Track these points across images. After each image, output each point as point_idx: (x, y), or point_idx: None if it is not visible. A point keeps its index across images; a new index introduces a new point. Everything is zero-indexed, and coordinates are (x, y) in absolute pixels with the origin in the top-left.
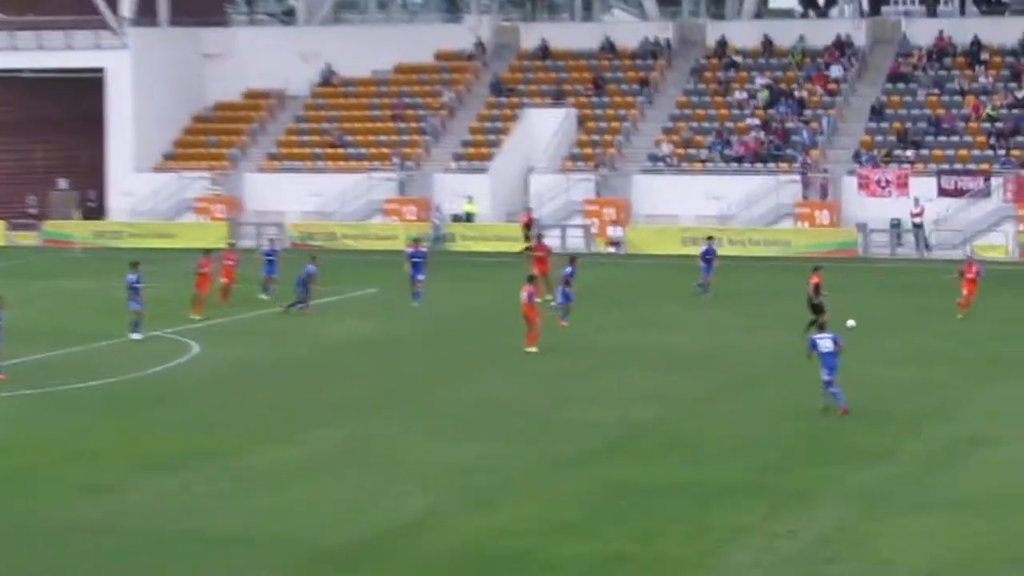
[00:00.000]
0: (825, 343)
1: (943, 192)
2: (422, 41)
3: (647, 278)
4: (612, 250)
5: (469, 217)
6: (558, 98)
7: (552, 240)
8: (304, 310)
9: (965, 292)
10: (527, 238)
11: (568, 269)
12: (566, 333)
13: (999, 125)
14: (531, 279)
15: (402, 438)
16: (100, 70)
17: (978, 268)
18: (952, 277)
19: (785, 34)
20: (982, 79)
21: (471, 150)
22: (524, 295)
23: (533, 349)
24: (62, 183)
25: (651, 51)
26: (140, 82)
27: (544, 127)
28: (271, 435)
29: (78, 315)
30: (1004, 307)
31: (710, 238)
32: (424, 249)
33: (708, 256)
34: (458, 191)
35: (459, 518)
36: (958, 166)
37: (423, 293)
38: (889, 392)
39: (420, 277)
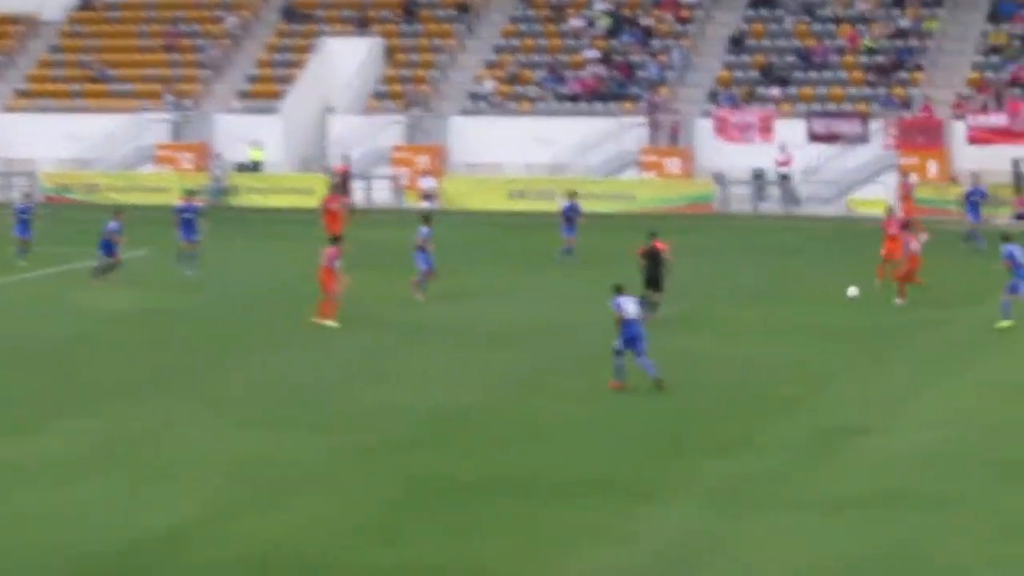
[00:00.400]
0: (630, 307)
1: (814, 137)
2: None
3: (466, 238)
4: (425, 204)
5: (256, 166)
6: (362, 26)
7: (356, 193)
8: (107, 276)
9: (884, 253)
10: (345, 192)
11: (424, 230)
12: (368, 304)
13: (879, 59)
14: (334, 240)
15: (177, 427)
16: None
17: (901, 222)
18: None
19: None
20: (859, 5)
21: (258, 87)
22: (324, 258)
23: (331, 323)
24: None
25: None
26: None
27: (345, 60)
28: (20, 425)
29: None
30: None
31: (573, 193)
32: (198, 204)
33: (571, 214)
34: (243, 135)
35: (244, 519)
36: (831, 107)
37: (198, 257)
38: (749, 373)
39: (194, 238)
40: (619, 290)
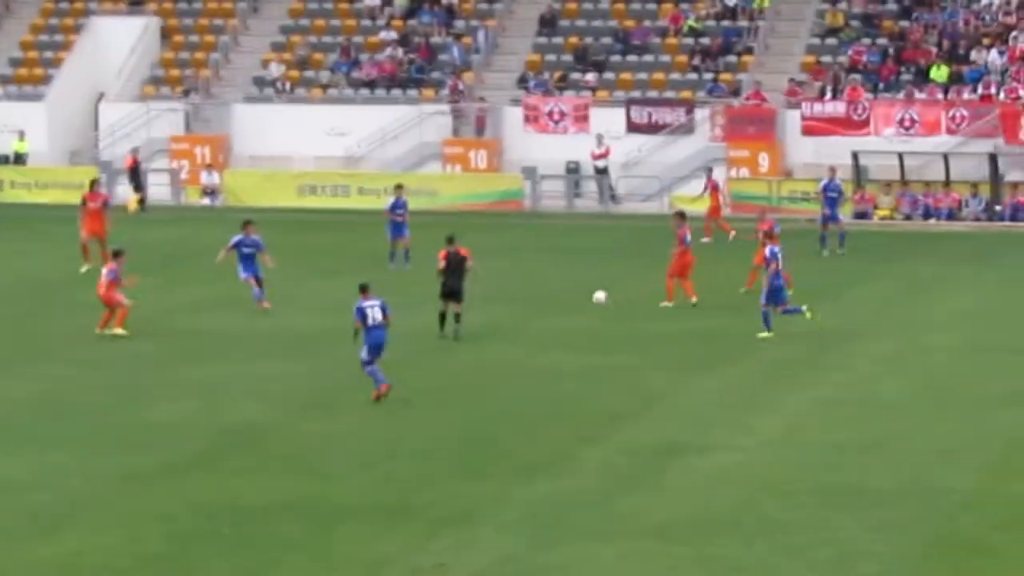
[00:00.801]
0: (375, 312)
1: (634, 127)
2: None
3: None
4: (206, 201)
5: (19, 158)
6: (136, 4)
7: (128, 189)
8: None
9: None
10: (136, 188)
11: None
12: (145, 311)
13: (704, 41)
14: (116, 255)
15: None
16: None
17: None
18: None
19: None
20: None
21: (21, 71)
22: (103, 276)
23: (120, 331)
24: None
25: None
26: None
27: (118, 42)
28: None
29: None
30: (709, 276)
31: (399, 187)
32: None
33: (398, 210)
34: (5, 124)
35: (13, 549)
36: (653, 94)
37: None
38: (563, 386)
39: None
40: (364, 291)
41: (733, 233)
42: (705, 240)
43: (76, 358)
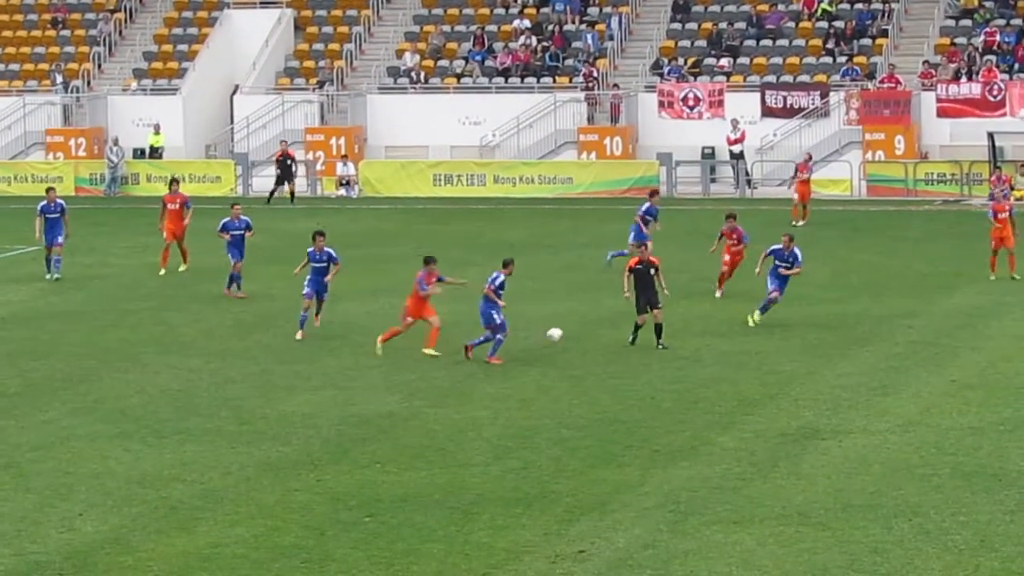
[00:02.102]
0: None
1: (768, 112)
2: None
3: (385, 229)
4: (342, 192)
5: (155, 152)
6: None
7: (266, 181)
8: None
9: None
10: (281, 179)
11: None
12: (278, 303)
13: (838, 24)
14: (427, 260)
15: (72, 441)
16: None
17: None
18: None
19: None
20: None
21: (157, 65)
22: (417, 283)
23: (431, 352)
24: None
25: None
26: None
27: (252, 34)
28: None
29: None
30: (845, 260)
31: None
32: (61, 202)
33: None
34: (140, 118)
35: (151, 541)
36: (787, 78)
37: (61, 260)
38: (700, 372)
39: (58, 240)
40: (505, 266)
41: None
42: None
43: (211, 350)
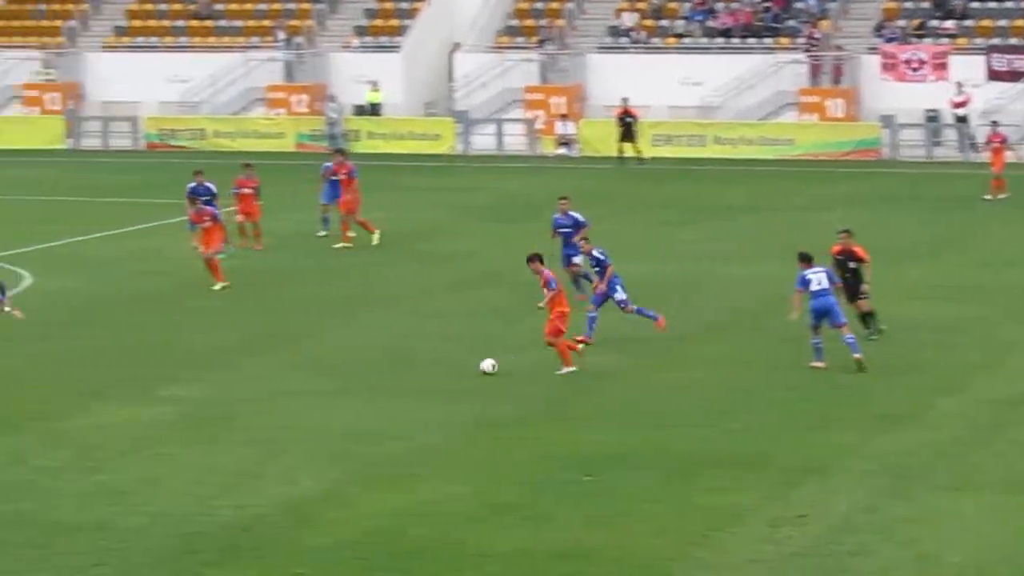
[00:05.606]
0: (820, 278)
1: (994, 75)
2: None
3: (604, 188)
4: (562, 151)
5: (374, 109)
6: None
7: (485, 139)
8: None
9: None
10: (625, 136)
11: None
12: (490, 261)
13: None
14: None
15: (284, 396)
16: None
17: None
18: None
19: None
20: None
21: (377, 23)
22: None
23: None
24: None
25: None
26: None
27: None
28: (127, 392)
29: None
30: None
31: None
32: (211, 185)
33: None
34: (360, 75)
35: (367, 498)
36: (1014, 41)
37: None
38: (916, 337)
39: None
40: (806, 260)
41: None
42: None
43: (424, 309)
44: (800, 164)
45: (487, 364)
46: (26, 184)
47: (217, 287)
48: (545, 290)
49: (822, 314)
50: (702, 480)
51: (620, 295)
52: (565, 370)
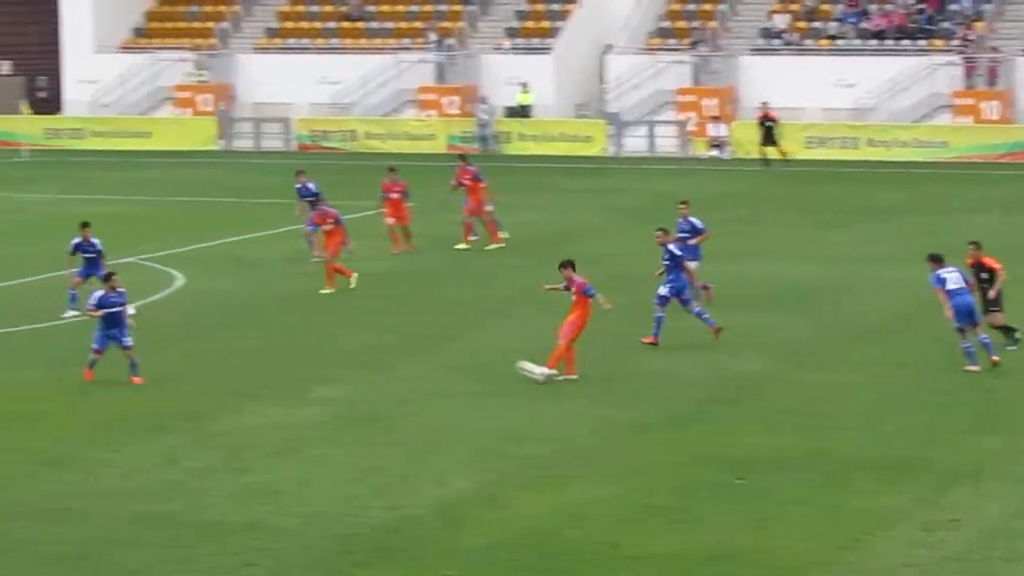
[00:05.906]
0: (954, 277)
1: None
2: None
3: (756, 190)
4: (714, 153)
5: (525, 110)
6: None
7: (637, 141)
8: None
9: None
10: (766, 140)
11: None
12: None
13: None
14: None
15: (436, 397)
16: None
17: None
18: None
19: None
20: None
21: (528, 24)
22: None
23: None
24: (4, 67)
25: None
26: None
27: None
28: (271, 392)
29: (23, 238)
30: None
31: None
32: (312, 185)
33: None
34: (511, 77)
35: (519, 499)
36: None
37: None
38: None
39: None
40: (937, 260)
41: None
42: None
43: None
44: (954, 167)
45: (537, 372)
46: (178, 185)
47: (325, 291)
48: (575, 296)
49: (965, 314)
50: (854, 483)
51: (685, 294)
52: (545, 371)
